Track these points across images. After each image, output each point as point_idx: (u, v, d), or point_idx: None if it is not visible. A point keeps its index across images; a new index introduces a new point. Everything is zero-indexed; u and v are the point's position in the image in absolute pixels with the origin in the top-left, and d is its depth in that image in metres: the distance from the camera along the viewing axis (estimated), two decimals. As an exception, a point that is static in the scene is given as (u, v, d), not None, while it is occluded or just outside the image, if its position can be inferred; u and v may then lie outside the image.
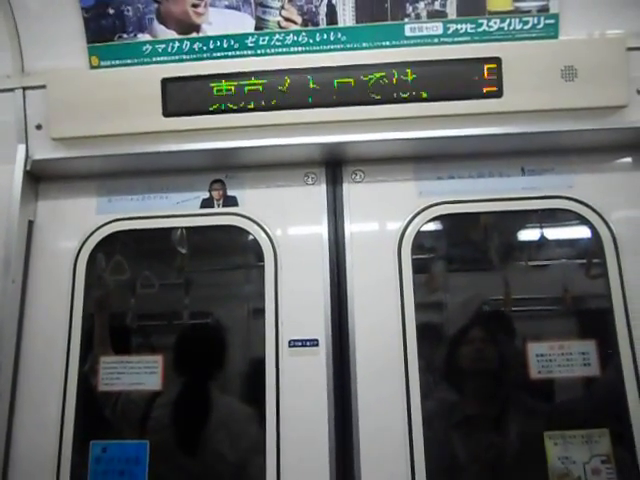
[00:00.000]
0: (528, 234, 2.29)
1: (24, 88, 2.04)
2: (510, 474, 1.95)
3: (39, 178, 2.11)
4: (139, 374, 1.98)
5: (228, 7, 2.00)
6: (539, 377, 1.91)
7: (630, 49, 1.92)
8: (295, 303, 1.95)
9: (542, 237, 2.20)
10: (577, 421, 1.88)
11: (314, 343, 1.90)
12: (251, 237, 2.05)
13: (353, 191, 2.05)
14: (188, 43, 2.01)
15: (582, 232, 2.06)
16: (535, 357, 1.91)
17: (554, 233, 2.22)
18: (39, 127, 2.04)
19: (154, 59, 2.02)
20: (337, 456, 1.82)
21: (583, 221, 2.01)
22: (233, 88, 1.94)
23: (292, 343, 1.91)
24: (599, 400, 1.94)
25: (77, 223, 2.09)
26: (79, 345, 1.97)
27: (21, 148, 2.03)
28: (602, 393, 1.94)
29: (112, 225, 2.08)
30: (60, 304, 2.00)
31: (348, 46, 1.97)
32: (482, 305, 2.25)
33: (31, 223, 2.07)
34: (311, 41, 1.97)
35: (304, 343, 1.91)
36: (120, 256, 2.19)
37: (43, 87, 2.02)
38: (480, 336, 2.11)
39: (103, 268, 2.15)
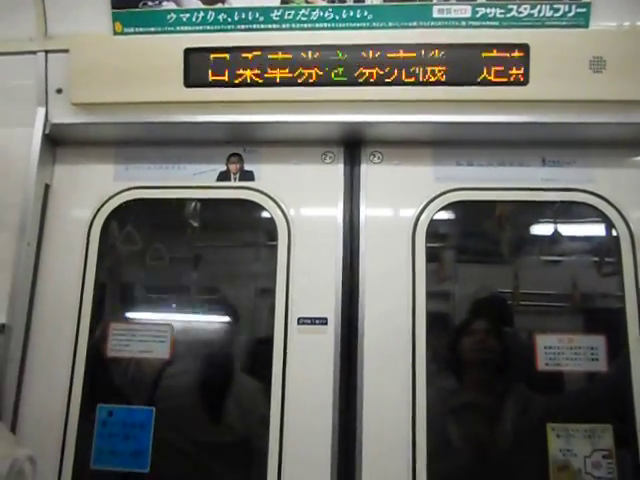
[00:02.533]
0: (544, 227, 2.26)
1: (46, 51, 2.03)
2: (511, 464, 1.95)
3: (57, 142, 2.11)
4: (148, 342, 2.00)
5: (255, -21, 1.97)
6: (546, 369, 1.90)
7: None
8: (306, 282, 1.95)
9: (558, 231, 2.18)
10: (581, 415, 1.88)
11: (323, 322, 1.91)
12: (265, 213, 2.05)
13: (370, 172, 2.03)
14: (213, 14, 1.98)
15: (599, 228, 2.03)
16: (543, 349, 1.90)
17: (571, 227, 2.19)
18: (59, 91, 2.03)
19: (178, 28, 2.00)
20: (340, 434, 1.83)
21: (601, 217, 1.98)
22: (256, 62, 1.92)
23: (301, 321, 1.91)
24: (605, 396, 1.93)
25: (94, 189, 2.09)
26: (90, 310, 1.98)
27: (41, 111, 2.02)
28: (608, 389, 1.93)
29: (128, 193, 2.08)
30: (73, 268, 2.02)
31: (374, 25, 1.93)
32: (493, 296, 2.24)
33: (47, 187, 2.08)
34: (337, 18, 1.94)
35: (313, 321, 1.91)
36: (132, 226, 2.19)
37: (65, 51, 2.00)
38: (489, 327, 2.10)
39: (117, 236, 2.16)
